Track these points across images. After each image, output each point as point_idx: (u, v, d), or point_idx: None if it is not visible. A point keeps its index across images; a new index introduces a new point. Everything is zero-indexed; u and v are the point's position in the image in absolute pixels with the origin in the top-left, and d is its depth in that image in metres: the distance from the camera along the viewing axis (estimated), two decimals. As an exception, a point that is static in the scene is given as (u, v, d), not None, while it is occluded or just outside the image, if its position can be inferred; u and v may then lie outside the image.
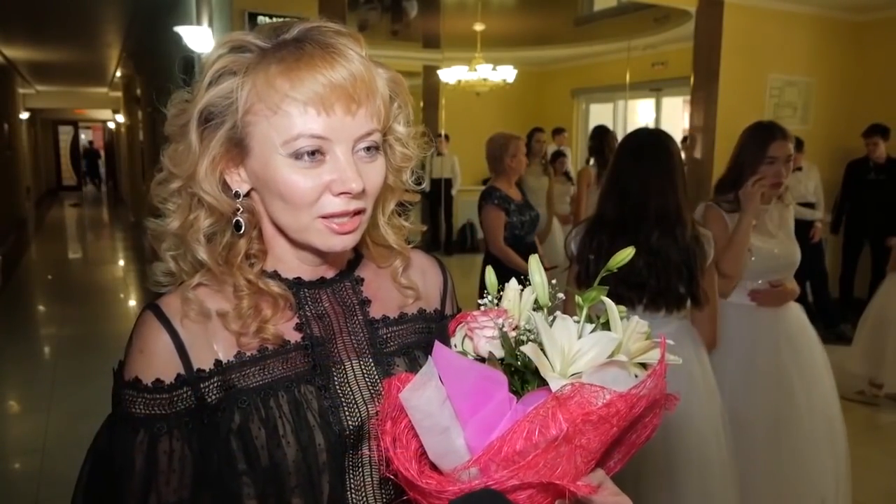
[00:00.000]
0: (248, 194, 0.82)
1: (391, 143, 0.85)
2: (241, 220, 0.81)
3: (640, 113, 9.95)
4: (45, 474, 3.32)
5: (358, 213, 0.78)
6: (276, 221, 0.81)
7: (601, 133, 5.61)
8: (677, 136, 7.35)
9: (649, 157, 2.01)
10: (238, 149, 0.78)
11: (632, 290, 1.96)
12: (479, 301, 0.77)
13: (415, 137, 0.87)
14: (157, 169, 0.82)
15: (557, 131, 8.71)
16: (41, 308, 7.50)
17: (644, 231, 1.96)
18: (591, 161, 5.50)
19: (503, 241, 3.63)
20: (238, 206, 0.81)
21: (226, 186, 0.80)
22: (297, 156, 0.74)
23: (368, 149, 0.78)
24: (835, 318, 5.63)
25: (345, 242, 0.79)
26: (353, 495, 0.82)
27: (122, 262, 9.76)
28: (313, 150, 0.74)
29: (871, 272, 5.71)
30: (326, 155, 0.75)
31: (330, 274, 0.88)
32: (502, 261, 3.57)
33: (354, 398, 0.82)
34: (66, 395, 4.33)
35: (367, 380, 0.84)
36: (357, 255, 0.92)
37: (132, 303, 7.25)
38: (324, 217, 0.77)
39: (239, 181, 0.80)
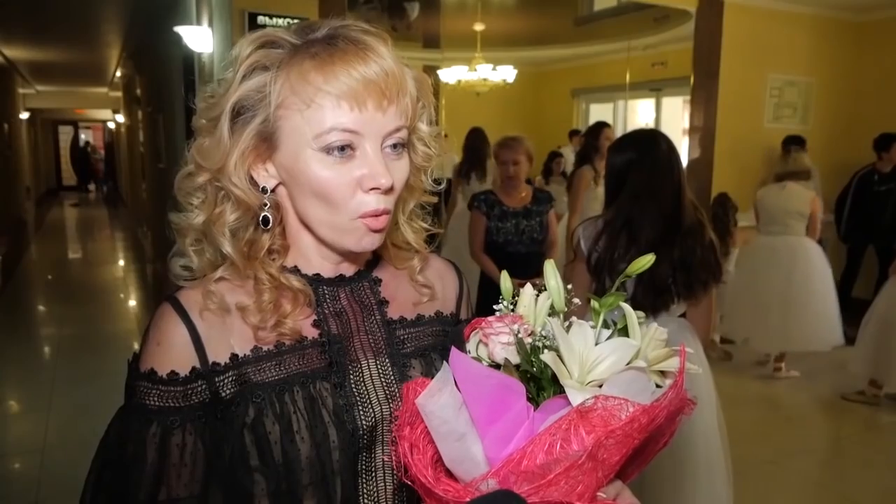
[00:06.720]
0: (273, 190, 0.82)
1: (414, 141, 0.85)
2: (268, 214, 0.82)
3: (640, 113, 9.94)
4: (45, 474, 3.32)
5: (385, 212, 0.79)
6: (307, 218, 0.81)
7: (598, 129, 5.32)
8: (677, 136, 7.36)
9: (654, 157, 2.01)
10: (266, 144, 0.78)
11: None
12: (495, 307, 0.75)
13: (436, 137, 0.87)
14: (184, 162, 0.82)
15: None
16: (41, 308, 7.48)
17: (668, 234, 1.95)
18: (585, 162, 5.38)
19: (481, 247, 3.45)
20: (265, 200, 0.81)
21: (252, 182, 0.81)
22: (327, 150, 0.75)
23: (395, 146, 0.78)
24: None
25: (374, 241, 0.80)
26: (367, 501, 0.81)
27: (122, 262, 9.75)
28: (343, 144, 0.75)
29: (878, 274, 5.68)
30: (356, 150, 0.76)
31: (349, 272, 0.88)
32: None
33: (369, 398, 0.82)
34: (66, 395, 4.33)
35: (382, 380, 0.84)
36: (375, 257, 0.92)
37: (132, 303, 7.25)
38: (362, 217, 0.77)
39: (266, 176, 0.81)
